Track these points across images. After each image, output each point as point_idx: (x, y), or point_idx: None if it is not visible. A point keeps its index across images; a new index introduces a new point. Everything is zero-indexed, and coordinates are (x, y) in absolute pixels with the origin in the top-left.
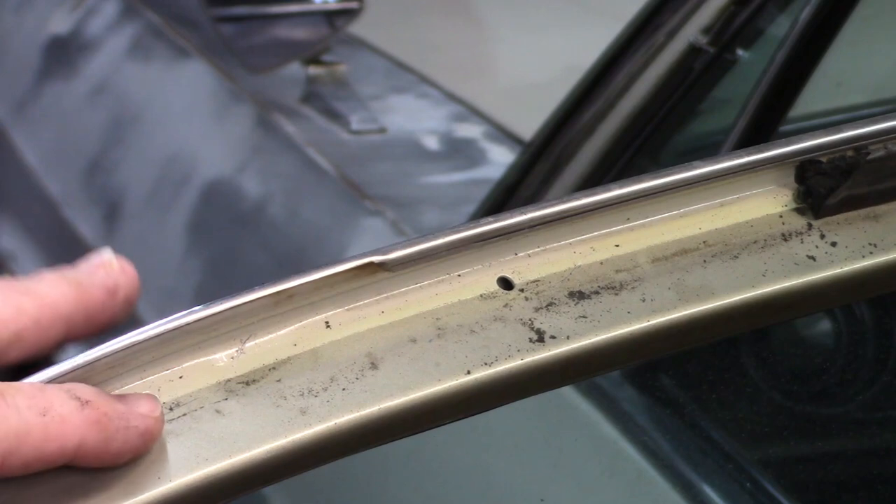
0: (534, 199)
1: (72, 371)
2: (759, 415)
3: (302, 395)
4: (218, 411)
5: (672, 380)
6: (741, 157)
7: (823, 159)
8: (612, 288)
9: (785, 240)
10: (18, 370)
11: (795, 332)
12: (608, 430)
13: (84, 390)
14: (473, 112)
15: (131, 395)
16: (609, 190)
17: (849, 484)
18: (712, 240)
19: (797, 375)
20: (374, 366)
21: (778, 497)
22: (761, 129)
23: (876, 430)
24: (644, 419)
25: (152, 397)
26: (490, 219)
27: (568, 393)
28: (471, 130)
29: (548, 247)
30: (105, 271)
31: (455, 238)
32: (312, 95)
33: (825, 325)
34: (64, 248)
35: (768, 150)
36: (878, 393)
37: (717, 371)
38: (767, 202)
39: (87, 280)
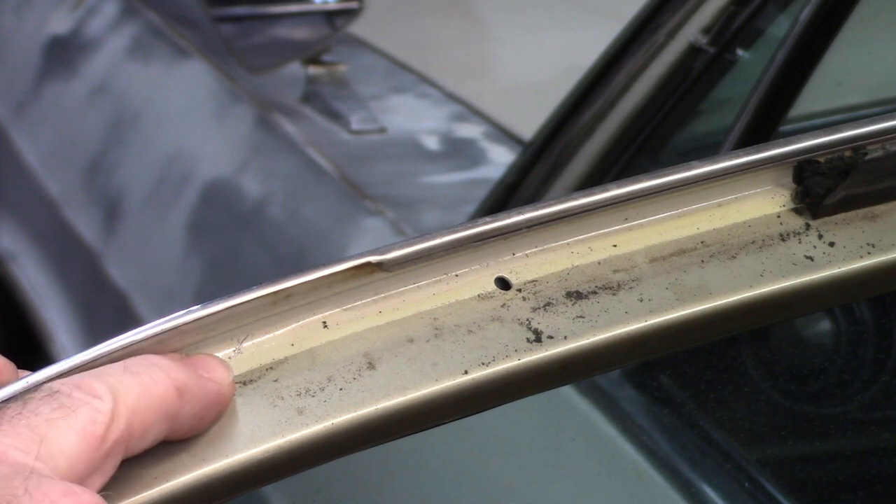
0: (534, 200)
1: (69, 371)
2: (758, 415)
3: (299, 395)
4: None
5: (671, 380)
6: (739, 157)
7: (821, 159)
8: (610, 288)
9: (783, 240)
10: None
11: (795, 332)
12: (608, 430)
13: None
14: (473, 112)
15: (202, 358)
16: (607, 190)
17: (848, 484)
18: (710, 240)
19: (797, 375)
20: (371, 366)
21: (777, 497)
22: (761, 129)
23: (875, 430)
24: (643, 419)
25: (223, 364)
26: (487, 219)
27: (567, 393)
28: (471, 130)
29: (545, 247)
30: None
31: (452, 238)
32: (312, 95)
33: (825, 325)
34: (64, 248)
35: (766, 150)
36: (878, 393)
37: (716, 371)
38: (765, 202)
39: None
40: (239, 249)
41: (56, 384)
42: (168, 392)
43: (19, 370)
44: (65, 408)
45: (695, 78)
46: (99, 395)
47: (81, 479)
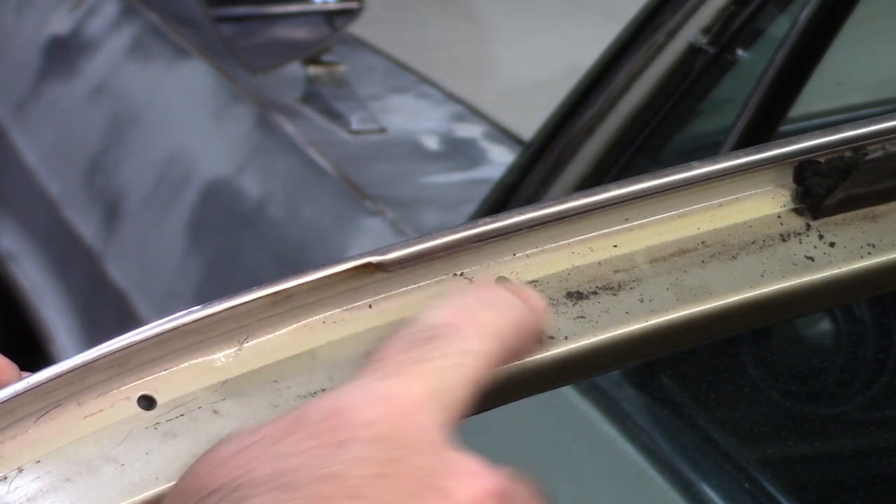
0: (534, 200)
1: (69, 371)
2: (758, 415)
3: (300, 395)
4: (216, 412)
5: (672, 380)
6: (739, 157)
7: (821, 160)
8: (611, 288)
9: (783, 240)
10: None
11: (795, 332)
12: (608, 430)
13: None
14: (473, 112)
15: (520, 288)
16: (607, 190)
17: (848, 484)
18: (710, 240)
19: (797, 375)
20: None
21: (777, 497)
22: (761, 129)
23: (875, 430)
24: (643, 419)
25: (537, 294)
26: (488, 219)
27: (567, 393)
28: (471, 130)
29: (546, 247)
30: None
31: (453, 238)
32: (312, 95)
33: (825, 325)
34: (64, 248)
35: (766, 150)
36: (878, 393)
37: (716, 371)
38: (766, 202)
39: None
40: (239, 249)
41: (432, 324)
42: (518, 328)
43: (21, 371)
44: (449, 356)
45: (695, 78)
46: (477, 337)
47: (458, 420)
